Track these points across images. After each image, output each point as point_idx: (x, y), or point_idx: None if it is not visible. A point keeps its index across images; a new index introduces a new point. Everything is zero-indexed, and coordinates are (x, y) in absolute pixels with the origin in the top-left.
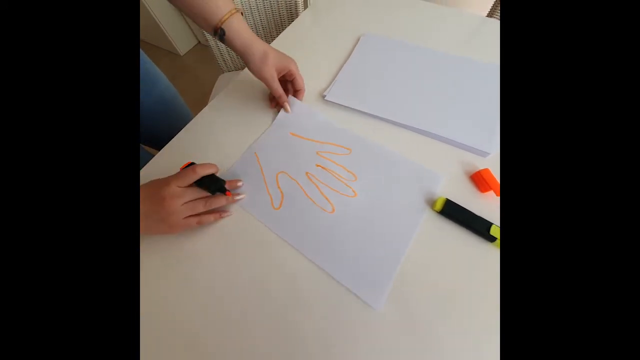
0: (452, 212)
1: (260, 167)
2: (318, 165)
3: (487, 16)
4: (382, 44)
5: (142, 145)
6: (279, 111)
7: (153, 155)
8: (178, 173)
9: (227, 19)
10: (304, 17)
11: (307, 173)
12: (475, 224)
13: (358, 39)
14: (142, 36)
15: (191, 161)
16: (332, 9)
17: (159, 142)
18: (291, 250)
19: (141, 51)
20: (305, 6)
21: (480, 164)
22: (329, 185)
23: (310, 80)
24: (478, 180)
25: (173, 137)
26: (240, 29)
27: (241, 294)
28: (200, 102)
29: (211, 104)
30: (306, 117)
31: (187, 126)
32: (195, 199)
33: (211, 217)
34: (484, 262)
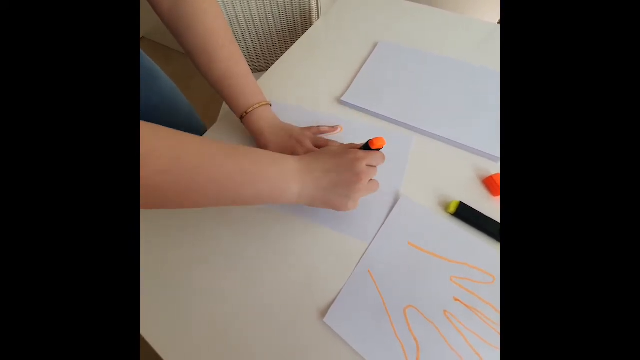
0: (465, 214)
1: (380, 293)
2: (457, 300)
3: (499, 23)
4: (399, 51)
5: None
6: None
7: None
8: (370, 153)
9: (250, 111)
10: (318, 26)
11: (445, 311)
12: (487, 226)
13: (373, 46)
14: (155, 37)
15: (382, 138)
16: (345, 18)
17: None
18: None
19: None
20: (319, 14)
21: (492, 168)
22: (478, 334)
23: (325, 85)
24: (490, 184)
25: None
26: (257, 121)
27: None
28: (214, 101)
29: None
30: (424, 221)
31: (212, 127)
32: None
33: (377, 185)
34: (493, 261)
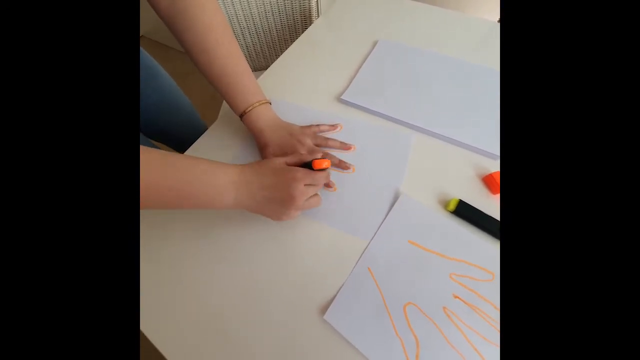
0: (465, 212)
1: (380, 291)
2: (456, 297)
3: (499, 22)
4: (398, 49)
5: (148, 140)
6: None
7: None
8: (311, 173)
9: (250, 110)
10: (318, 24)
11: (444, 308)
12: (486, 224)
13: (372, 45)
14: (153, 36)
15: (328, 160)
16: (345, 16)
17: (161, 135)
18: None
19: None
20: (319, 12)
21: (492, 166)
22: (477, 331)
23: (325, 84)
24: (489, 182)
25: (174, 128)
26: (257, 119)
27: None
28: (214, 100)
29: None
30: (423, 219)
31: (212, 126)
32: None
33: (318, 200)
34: (493, 258)
